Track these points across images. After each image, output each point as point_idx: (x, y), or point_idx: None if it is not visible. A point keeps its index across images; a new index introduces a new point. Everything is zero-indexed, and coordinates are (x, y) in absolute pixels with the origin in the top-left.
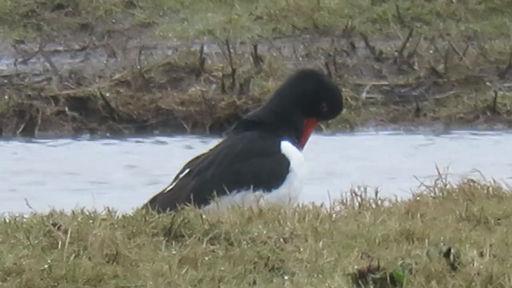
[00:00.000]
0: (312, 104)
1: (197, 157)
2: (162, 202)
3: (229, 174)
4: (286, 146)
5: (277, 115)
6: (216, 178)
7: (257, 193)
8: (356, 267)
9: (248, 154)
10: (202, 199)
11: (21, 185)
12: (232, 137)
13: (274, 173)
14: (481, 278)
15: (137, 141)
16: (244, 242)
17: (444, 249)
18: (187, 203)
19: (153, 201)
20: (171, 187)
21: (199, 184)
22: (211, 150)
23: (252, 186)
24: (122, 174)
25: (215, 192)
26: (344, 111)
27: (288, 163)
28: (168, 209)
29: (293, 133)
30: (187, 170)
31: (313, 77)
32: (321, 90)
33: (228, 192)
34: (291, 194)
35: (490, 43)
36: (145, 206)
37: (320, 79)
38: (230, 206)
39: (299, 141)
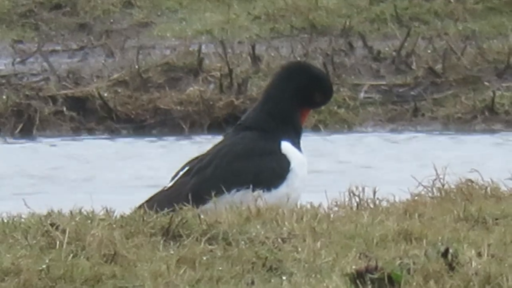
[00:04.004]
0: (306, 96)
1: (197, 157)
2: (161, 200)
3: (229, 173)
4: (287, 147)
5: (274, 117)
6: (215, 177)
7: (257, 192)
8: (354, 267)
9: (249, 153)
10: (201, 198)
11: (19, 185)
12: (232, 137)
13: (275, 172)
14: (479, 278)
15: (135, 141)
16: (242, 242)
17: (442, 249)
18: (186, 202)
19: (151, 200)
20: (169, 185)
21: (199, 182)
22: (210, 149)
23: (252, 185)
24: (121, 174)
25: (214, 191)
26: (342, 110)
27: (289, 163)
28: (167, 207)
29: (292, 133)
30: (186, 169)
31: (301, 69)
32: (312, 81)
33: (228, 191)
34: (292, 194)
35: (488, 43)
36: (143, 205)
37: (308, 70)
38: (229, 205)
39: (299, 141)
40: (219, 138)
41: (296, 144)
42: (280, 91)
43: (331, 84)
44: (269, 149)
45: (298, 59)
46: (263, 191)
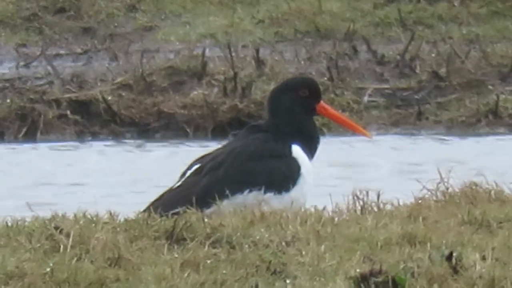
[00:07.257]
0: (300, 103)
1: (206, 155)
2: (172, 199)
3: (241, 173)
4: (297, 150)
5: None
6: (228, 177)
7: (269, 194)
8: (358, 270)
9: (260, 154)
10: (214, 198)
11: (23, 189)
12: (243, 138)
13: (286, 175)
14: (483, 282)
15: (138, 145)
16: (246, 245)
17: (446, 252)
18: (198, 202)
19: (160, 198)
20: (179, 184)
21: (211, 182)
22: (219, 148)
23: (264, 187)
24: (124, 178)
25: (227, 191)
26: (346, 114)
27: (299, 167)
28: (178, 207)
29: (307, 141)
30: (195, 166)
31: (278, 94)
32: (287, 91)
33: (241, 191)
34: (300, 199)
35: (492, 47)
36: (152, 204)
37: (279, 90)
38: (240, 206)
39: (311, 146)
40: (223, 142)
41: (307, 150)
42: (283, 119)
43: (296, 78)
44: (280, 152)
45: (302, 63)
46: (274, 194)
